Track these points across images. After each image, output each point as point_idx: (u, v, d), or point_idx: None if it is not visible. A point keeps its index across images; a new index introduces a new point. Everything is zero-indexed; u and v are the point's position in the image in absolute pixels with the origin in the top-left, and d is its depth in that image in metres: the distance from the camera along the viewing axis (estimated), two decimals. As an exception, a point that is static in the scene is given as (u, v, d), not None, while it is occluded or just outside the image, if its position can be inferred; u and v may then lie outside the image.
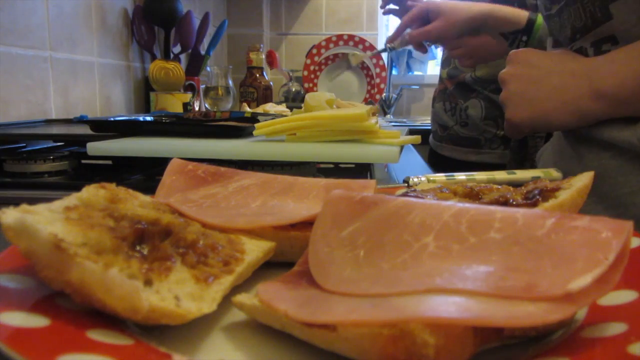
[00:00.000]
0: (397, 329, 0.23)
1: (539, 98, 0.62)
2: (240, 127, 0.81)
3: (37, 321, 0.25)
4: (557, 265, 0.25)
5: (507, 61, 0.68)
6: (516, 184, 0.44)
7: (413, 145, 1.24)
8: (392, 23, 2.61)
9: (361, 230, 0.32)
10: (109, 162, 0.86)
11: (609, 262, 0.24)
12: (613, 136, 0.58)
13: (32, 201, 0.30)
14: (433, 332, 0.22)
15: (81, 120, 1.03)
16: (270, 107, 1.36)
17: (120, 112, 1.52)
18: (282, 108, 1.38)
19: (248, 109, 1.50)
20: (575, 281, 0.23)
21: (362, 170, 0.85)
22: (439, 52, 2.40)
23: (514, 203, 0.39)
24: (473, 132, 1.23)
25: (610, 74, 0.56)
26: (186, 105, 1.53)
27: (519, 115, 0.64)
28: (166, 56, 1.63)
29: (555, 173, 0.57)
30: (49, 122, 1.13)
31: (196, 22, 1.72)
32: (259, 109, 1.37)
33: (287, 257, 0.38)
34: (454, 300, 0.24)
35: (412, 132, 1.18)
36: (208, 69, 1.77)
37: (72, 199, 0.33)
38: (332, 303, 0.27)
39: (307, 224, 0.38)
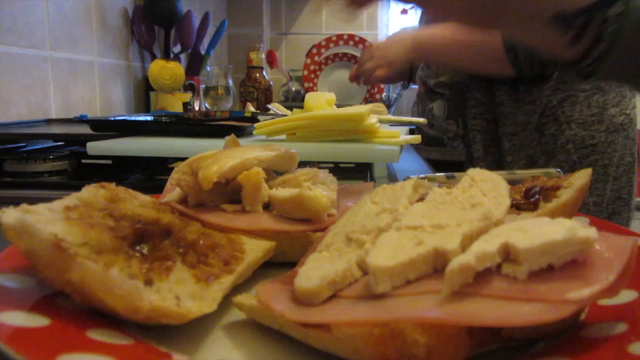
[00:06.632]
0: (388, 329, 0.23)
1: None
2: (240, 127, 0.81)
3: (37, 321, 0.25)
4: (557, 280, 0.25)
5: None
6: (516, 183, 0.44)
7: (412, 144, 1.26)
8: (391, 23, 2.60)
9: None
10: (109, 162, 0.86)
11: (608, 282, 0.24)
12: None
13: (32, 201, 0.30)
14: (424, 332, 0.22)
15: (81, 120, 1.02)
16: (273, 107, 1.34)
17: (120, 111, 1.52)
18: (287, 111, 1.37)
19: (252, 109, 1.48)
20: (573, 292, 0.23)
21: (362, 170, 0.85)
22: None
23: (514, 202, 0.38)
24: (437, 131, 1.31)
25: None
26: (186, 105, 1.53)
27: None
28: (166, 56, 1.63)
29: (555, 172, 0.57)
30: (49, 121, 1.13)
31: (196, 22, 1.72)
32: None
33: (287, 257, 0.38)
34: (447, 300, 0.24)
35: (412, 131, 1.18)
36: (208, 68, 1.77)
37: (72, 198, 0.33)
38: (327, 304, 0.27)
39: (307, 224, 0.39)
